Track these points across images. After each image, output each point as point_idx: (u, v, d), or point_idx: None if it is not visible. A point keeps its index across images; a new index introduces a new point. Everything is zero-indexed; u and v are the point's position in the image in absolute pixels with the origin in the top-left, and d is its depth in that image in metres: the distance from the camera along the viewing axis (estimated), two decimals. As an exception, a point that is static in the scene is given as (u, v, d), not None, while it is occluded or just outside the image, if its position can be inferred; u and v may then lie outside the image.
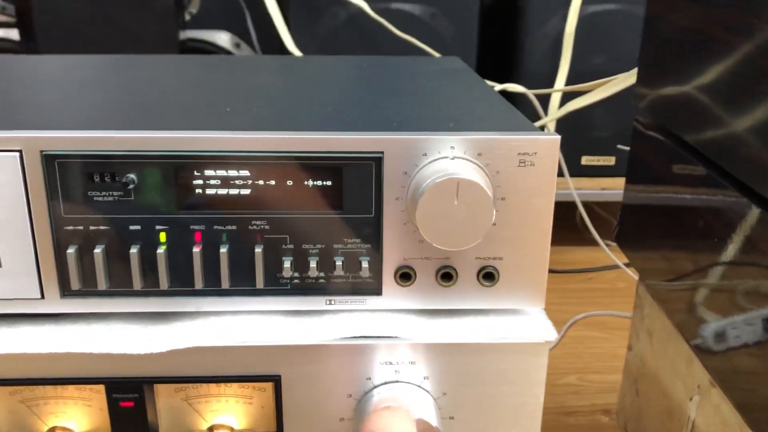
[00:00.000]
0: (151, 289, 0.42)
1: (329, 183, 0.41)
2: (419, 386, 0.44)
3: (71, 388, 0.44)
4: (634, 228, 0.64)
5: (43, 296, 0.42)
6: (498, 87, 0.89)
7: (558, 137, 0.41)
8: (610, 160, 1.21)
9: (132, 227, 0.41)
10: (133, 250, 0.41)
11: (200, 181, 0.41)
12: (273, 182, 0.41)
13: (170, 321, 0.44)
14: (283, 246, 0.42)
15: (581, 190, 1.11)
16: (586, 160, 1.21)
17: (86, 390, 0.44)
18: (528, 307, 0.44)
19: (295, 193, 0.41)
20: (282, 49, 1.07)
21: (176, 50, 1.12)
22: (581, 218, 0.95)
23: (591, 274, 1.19)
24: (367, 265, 0.42)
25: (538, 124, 0.90)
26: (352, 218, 0.42)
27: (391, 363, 0.43)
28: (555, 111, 0.92)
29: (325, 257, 0.42)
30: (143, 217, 0.41)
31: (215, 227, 0.42)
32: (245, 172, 0.41)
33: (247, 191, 0.41)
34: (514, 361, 0.43)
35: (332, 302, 0.44)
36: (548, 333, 0.43)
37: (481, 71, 1.13)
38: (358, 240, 0.42)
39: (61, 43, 1.09)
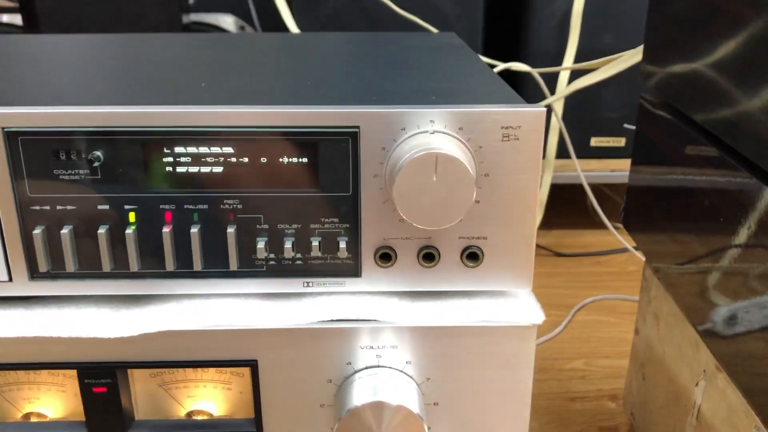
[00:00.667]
0: (122, 271, 0.41)
1: (303, 160, 0.39)
2: (401, 371, 0.42)
3: (44, 373, 0.43)
4: (640, 210, 0.62)
5: (11, 279, 0.41)
6: (501, 66, 0.86)
7: (543, 110, 0.39)
8: (620, 141, 1.18)
9: (100, 207, 0.40)
10: (101, 230, 0.40)
11: (169, 159, 0.39)
12: (245, 159, 0.39)
13: (142, 304, 0.42)
14: (257, 226, 0.40)
15: (590, 172, 1.09)
16: (595, 141, 1.18)
17: (59, 375, 0.43)
18: (515, 288, 0.42)
19: (268, 171, 0.39)
20: (285, 31, 1.06)
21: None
22: (591, 201, 0.94)
23: (600, 257, 1.16)
24: (345, 246, 0.41)
25: (544, 103, 0.88)
26: (329, 197, 0.40)
27: (372, 347, 0.42)
28: (563, 90, 0.89)
29: (301, 238, 0.41)
30: (111, 197, 0.40)
31: (186, 207, 0.40)
32: (216, 149, 0.39)
33: (218, 169, 0.39)
34: (500, 344, 0.42)
35: (310, 284, 0.42)
36: (536, 316, 0.41)
37: (487, 51, 1.11)
38: (335, 219, 0.40)
39: (64, 28, 1.08)
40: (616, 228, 0.90)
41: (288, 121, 0.39)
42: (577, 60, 0.96)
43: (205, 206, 0.40)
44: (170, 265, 0.41)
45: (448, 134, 0.39)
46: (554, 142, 0.98)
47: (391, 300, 0.42)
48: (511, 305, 0.42)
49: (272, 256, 0.41)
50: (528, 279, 0.42)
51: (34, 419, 0.44)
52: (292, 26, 1.04)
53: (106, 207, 0.40)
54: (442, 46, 0.62)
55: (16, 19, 1.20)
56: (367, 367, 0.42)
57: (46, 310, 0.42)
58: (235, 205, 0.40)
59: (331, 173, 0.40)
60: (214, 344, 0.41)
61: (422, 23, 0.98)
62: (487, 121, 0.39)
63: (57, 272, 0.41)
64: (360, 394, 0.41)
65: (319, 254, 0.41)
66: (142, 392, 0.44)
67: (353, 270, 0.41)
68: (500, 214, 0.40)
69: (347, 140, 0.39)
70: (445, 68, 0.52)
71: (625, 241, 0.91)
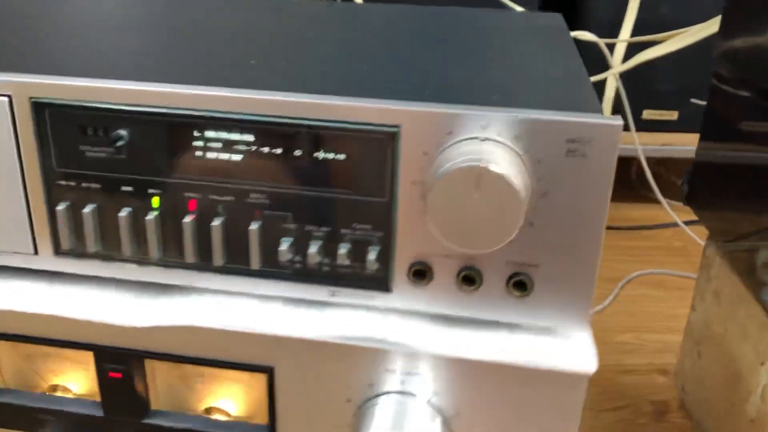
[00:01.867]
0: (142, 258, 0.39)
1: (338, 157, 0.35)
2: (428, 402, 0.38)
3: (68, 349, 0.42)
4: (707, 186, 0.62)
5: (36, 252, 0.40)
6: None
7: (620, 122, 0.32)
8: (673, 115, 1.15)
9: (124, 188, 0.38)
10: (123, 213, 0.38)
11: (195, 144, 0.36)
12: (276, 151, 0.36)
13: (165, 294, 0.40)
14: (284, 225, 0.37)
15: (641, 145, 1.08)
16: (647, 114, 1.14)
17: (82, 353, 0.42)
18: (567, 326, 0.36)
19: (300, 166, 0.36)
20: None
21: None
22: (637, 174, 0.99)
23: (646, 231, 1.15)
24: (376, 257, 0.36)
25: (607, 74, 0.86)
26: (362, 200, 0.36)
27: (397, 371, 0.37)
28: (620, 61, 0.87)
29: (329, 242, 0.37)
30: (135, 179, 0.37)
31: (211, 197, 0.37)
32: (244, 137, 0.36)
33: (246, 159, 0.36)
34: (544, 389, 0.36)
35: (336, 294, 0.38)
36: (589, 362, 0.35)
37: None
38: (367, 226, 0.36)
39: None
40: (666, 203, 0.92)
41: (322, 113, 0.34)
42: (634, 30, 0.94)
43: (231, 198, 0.37)
44: (190, 257, 0.38)
45: (502, 143, 0.33)
46: (607, 113, 0.97)
47: (424, 322, 0.38)
48: (561, 346, 0.36)
49: (297, 258, 0.37)
50: (584, 317, 0.36)
51: (59, 393, 0.44)
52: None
53: (130, 189, 0.38)
54: (534, 29, 0.55)
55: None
56: (390, 392, 0.38)
57: (69, 287, 0.41)
58: (262, 200, 0.37)
59: (367, 175, 0.35)
60: (232, 345, 0.39)
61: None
62: (550, 130, 0.33)
63: (80, 251, 0.39)
64: (380, 424, 0.37)
65: (347, 262, 0.37)
66: (161, 382, 0.42)
67: (384, 284, 0.37)
68: (558, 241, 0.34)
69: (385, 140, 0.34)
70: (523, 59, 0.45)
71: (676, 215, 0.89)
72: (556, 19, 0.60)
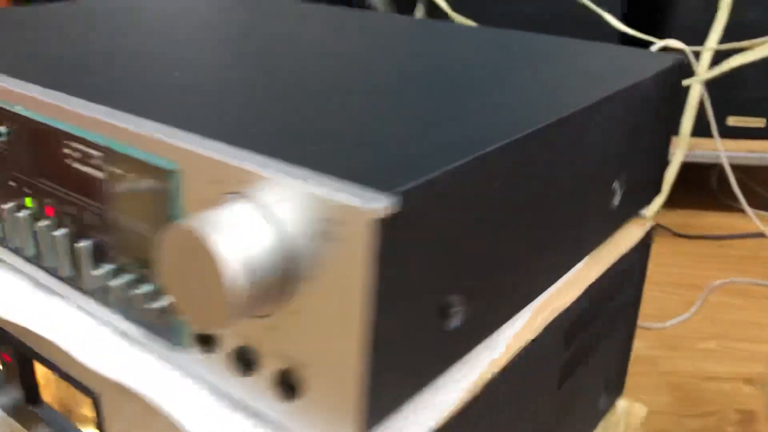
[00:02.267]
0: (23, 254, 0.40)
1: (147, 190, 0.32)
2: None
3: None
4: None
5: (-33, 227, 0.43)
6: (659, 44, 0.83)
7: (375, 206, 0.23)
8: (760, 122, 1.12)
9: (10, 182, 0.39)
10: (4, 206, 0.39)
11: (51, 151, 0.35)
12: (111, 172, 0.33)
13: (50, 293, 0.40)
14: (106, 249, 0.34)
15: (725, 152, 1.03)
16: (733, 120, 1.12)
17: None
18: (336, 454, 0.28)
19: (121, 192, 0.33)
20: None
21: None
22: (718, 181, 1.04)
23: (729, 240, 1.12)
24: (160, 307, 0.32)
25: (692, 80, 0.80)
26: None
27: (178, 440, 0.33)
28: (706, 68, 0.81)
29: (140, 278, 0.33)
30: (17, 176, 0.38)
31: (59, 206, 0.36)
32: (84, 151, 0.34)
33: (83, 173, 0.34)
34: None
35: (142, 336, 0.34)
36: None
37: (629, 23, 1.04)
38: (166, 271, 0.32)
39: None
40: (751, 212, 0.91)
41: (138, 143, 0.31)
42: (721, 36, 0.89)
43: (75, 211, 0.36)
44: (45, 261, 0.38)
45: (260, 206, 0.26)
46: (690, 119, 0.83)
47: (207, 394, 0.32)
48: (324, 475, 0.28)
49: (111, 285, 0.35)
50: (352, 450, 0.27)
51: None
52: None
53: (15, 185, 0.38)
54: (596, 72, 0.43)
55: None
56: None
57: (-5, 266, 0.43)
58: (94, 220, 0.35)
59: (160, 216, 0.31)
60: (71, 363, 0.37)
61: (602, 13, 0.82)
62: (303, 202, 0.25)
63: (-8, 234, 0.41)
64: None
65: (145, 306, 0.33)
66: (51, 382, 0.42)
67: (173, 338, 0.33)
68: (325, 340, 0.27)
69: (163, 181, 0.30)
70: (486, 110, 0.36)
71: (763, 225, 0.90)
72: (656, 61, 0.47)
